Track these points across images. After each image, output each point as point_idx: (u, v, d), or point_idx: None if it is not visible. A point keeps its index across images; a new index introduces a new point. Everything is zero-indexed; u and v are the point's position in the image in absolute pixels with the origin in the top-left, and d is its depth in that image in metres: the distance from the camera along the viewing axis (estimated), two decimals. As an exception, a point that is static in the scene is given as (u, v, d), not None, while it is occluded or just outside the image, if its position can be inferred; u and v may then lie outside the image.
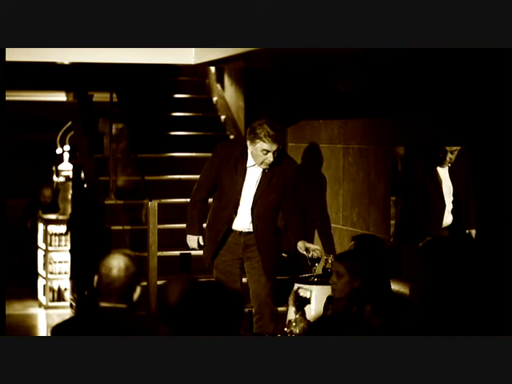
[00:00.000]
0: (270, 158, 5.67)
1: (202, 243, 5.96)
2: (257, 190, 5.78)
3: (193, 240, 5.98)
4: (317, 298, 5.43)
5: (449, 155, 5.42)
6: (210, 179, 5.91)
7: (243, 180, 5.79)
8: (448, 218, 5.51)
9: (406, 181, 5.74)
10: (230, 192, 5.81)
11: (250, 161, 5.77)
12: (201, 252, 6.05)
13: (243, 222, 5.83)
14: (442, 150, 5.43)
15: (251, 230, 5.82)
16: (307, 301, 4.52)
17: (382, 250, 5.39)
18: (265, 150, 5.64)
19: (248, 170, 5.79)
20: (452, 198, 5.49)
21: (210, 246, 5.92)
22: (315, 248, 5.68)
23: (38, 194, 11.80)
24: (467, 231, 5.34)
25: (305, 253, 5.66)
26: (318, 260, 5.66)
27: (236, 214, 5.81)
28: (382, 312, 4.45)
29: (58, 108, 10.70)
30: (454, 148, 5.39)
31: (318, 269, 5.73)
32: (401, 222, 5.77)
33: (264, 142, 5.62)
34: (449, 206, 5.50)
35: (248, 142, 5.72)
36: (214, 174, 5.87)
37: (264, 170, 5.76)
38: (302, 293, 4.55)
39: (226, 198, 5.83)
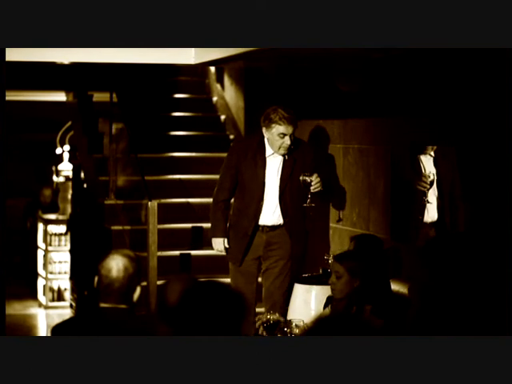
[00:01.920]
0: (287, 141, 5.65)
1: (227, 245, 5.90)
2: (280, 179, 5.76)
3: (219, 242, 5.90)
4: (317, 297, 5.44)
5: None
6: (230, 177, 5.86)
7: (264, 171, 5.76)
8: (432, 213, 5.47)
9: (393, 176, 5.74)
10: (253, 186, 5.77)
11: (269, 150, 5.76)
12: (200, 252, 6.04)
13: (270, 215, 5.80)
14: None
15: (277, 223, 5.80)
16: (276, 324, 4.51)
17: (381, 250, 5.39)
18: (281, 133, 5.63)
19: (267, 159, 5.77)
20: (437, 192, 5.45)
21: (238, 246, 5.86)
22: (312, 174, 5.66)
23: (37, 194, 11.81)
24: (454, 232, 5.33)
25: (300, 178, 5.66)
26: (309, 184, 5.62)
27: (262, 208, 5.78)
28: (382, 312, 4.44)
29: (57, 108, 10.71)
30: None
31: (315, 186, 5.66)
32: (393, 219, 5.78)
33: (280, 124, 5.62)
34: (433, 200, 5.46)
35: (264, 130, 5.71)
36: (234, 172, 5.84)
37: (284, 157, 5.74)
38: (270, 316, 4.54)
39: (250, 193, 5.79)
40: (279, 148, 5.68)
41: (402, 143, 5.69)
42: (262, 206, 5.77)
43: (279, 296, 5.84)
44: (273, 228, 5.82)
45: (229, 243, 5.91)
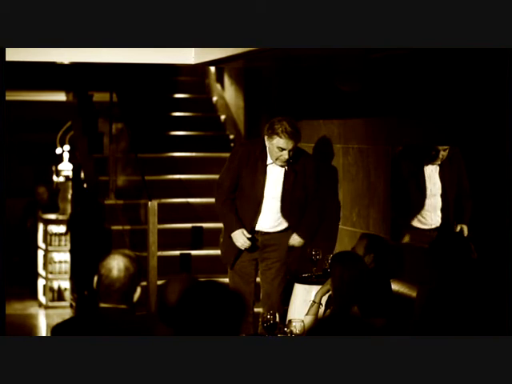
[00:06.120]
0: (284, 155, 5.65)
1: (248, 235, 5.77)
2: (282, 192, 5.77)
3: (238, 234, 5.76)
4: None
5: (441, 153, 5.42)
6: (230, 180, 5.84)
7: (265, 178, 5.77)
8: (436, 217, 5.49)
9: (395, 180, 5.75)
10: (252, 191, 5.78)
11: (270, 158, 5.77)
12: (200, 252, 6.03)
13: (268, 221, 5.82)
14: (434, 148, 5.43)
15: (274, 230, 5.83)
16: (275, 325, 4.51)
17: (384, 253, 5.39)
18: (280, 147, 5.63)
19: (268, 167, 5.77)
20: (440, 198, 5.47)
21: (231, 247, 5.84)
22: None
23: (33, 193, 11.85)
24: (459, 226, 5.34)
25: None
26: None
27: (260, 214, 5.80)
28: (383, 312, 4.44)
29: (58, 108, 10.71)
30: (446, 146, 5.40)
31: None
32: (393, 220, 5.80)
33: (281, 138, 5.60)
34: (437, 204, 5.48)
35: (265, 137, 5.71)
36: (235, 176, 5.82)
37: (285, 169, 5.75)
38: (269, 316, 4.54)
39: (248, 197, 5.80)
40: (276, 159, 5.69)
41: (403, 144, 5.71)
42: (260, 212, 5.79)
43: (277, 297, 5.85)
44: (267, 233, 5.84)
45: (224, 243, 5.91)
